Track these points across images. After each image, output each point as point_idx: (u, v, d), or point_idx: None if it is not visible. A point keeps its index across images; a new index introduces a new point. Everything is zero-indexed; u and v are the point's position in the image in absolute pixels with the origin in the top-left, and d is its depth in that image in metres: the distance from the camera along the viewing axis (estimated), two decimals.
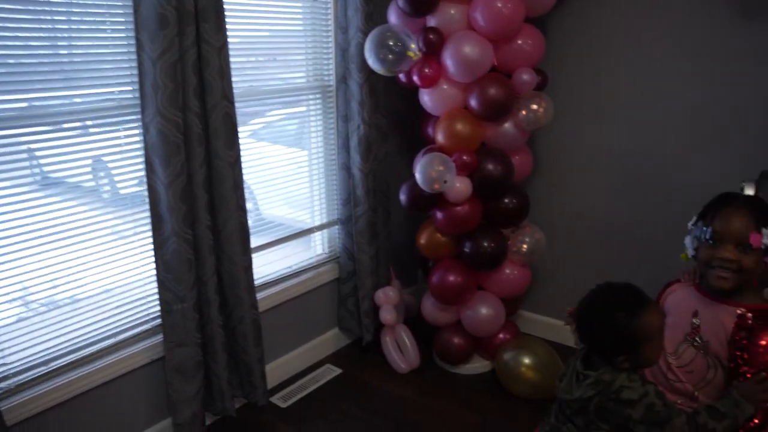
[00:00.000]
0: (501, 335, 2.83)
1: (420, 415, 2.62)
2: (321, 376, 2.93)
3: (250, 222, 2.40)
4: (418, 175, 2.44)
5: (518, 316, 3.15)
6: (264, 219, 2.76)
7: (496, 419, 2.58)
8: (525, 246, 2.69)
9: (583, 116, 2.83)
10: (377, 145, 2.80)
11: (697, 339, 1.58)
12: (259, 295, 2.65)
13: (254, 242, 2.63)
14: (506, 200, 2.58)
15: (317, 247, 3.04)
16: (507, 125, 2.51)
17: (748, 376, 1.46)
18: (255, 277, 2.60)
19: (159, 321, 2.25)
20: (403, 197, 2.62)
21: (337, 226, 2.99)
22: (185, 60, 2.02)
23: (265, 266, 2.76)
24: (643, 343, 1.43)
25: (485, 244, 2.57)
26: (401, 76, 2.56)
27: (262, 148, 2.69)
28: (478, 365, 2.91)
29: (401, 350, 2.94)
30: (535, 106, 2.44)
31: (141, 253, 2.23)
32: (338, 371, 2.97)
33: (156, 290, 2.21)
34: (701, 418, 1.41)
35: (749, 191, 1.98)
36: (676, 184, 2.60)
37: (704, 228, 1.53)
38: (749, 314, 1.50)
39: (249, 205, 2.32)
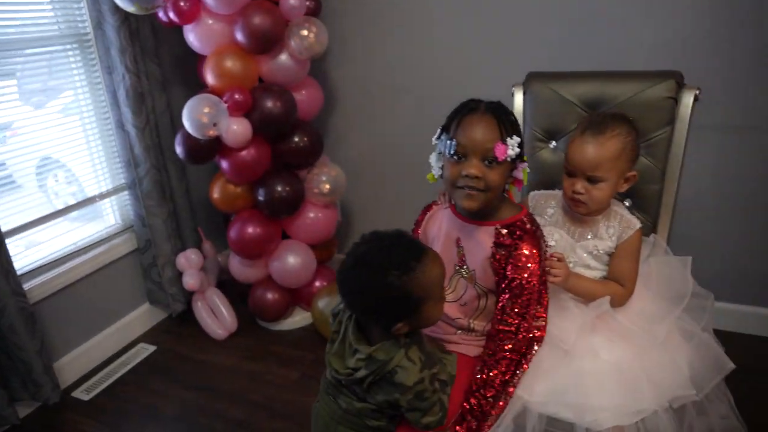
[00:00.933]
0: (317, 283, 2.69)
1: (239, 381, 2.45)
2: (132, 357, 2.66)
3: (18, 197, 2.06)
4: (186, 123, 2.18)
5: (336, 261, 3.01)
6: (38, 192, 2.41)
7: (316, 372, 2.45)
8: (327, 186, 2.52)
9: (366, 42, 2.66)
10: (152, 97, 2.50)
11: (464, 268, 1.45)
12: (41, 279, 2.36)
13: (25, 218, 2.30)
14: (296, 139, 2.39)
15: (109, 217, 2.72)
16: (282, 57, 2.30)
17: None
18: (35, 258, 2.34)
19: None
20: (179, 149, 2.35)
21: (126, 192, 2.67)
22: None
23: (47, 244, 2.44)
24: (422, 303, 1.20)
25: (279, 188, 2.39)
26: (160, 14, 2.27)
27: (19, 110, 2.30)
28: (298, 318, 2.77)
29: (216, 316, 2.73)
30: (305, 32, 2.24)
31: None
32: (152, 349, 2.72)
33: None
34: (445, 402, 1.28)
35: (518, 95, 1.91)
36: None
37: (448, 142, 1.35)
38: (504, 230, 1.37)
39: None
